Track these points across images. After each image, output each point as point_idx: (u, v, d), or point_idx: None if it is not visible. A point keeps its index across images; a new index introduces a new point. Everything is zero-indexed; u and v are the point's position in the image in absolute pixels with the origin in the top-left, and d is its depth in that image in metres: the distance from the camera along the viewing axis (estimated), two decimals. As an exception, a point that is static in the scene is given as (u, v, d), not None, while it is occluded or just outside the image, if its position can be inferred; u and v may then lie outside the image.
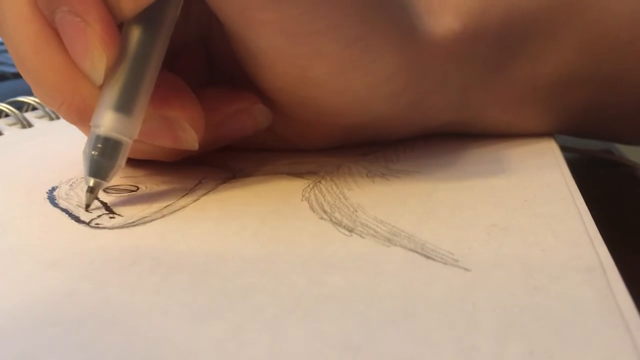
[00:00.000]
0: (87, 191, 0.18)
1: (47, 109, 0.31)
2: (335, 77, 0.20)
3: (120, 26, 0.18)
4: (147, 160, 0.23)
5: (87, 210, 0.18)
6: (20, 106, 0.32)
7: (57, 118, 0.31)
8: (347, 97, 0.22)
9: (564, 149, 0.25)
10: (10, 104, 0.32)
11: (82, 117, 0.18)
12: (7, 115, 0.31)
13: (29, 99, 0.32)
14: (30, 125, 0.30)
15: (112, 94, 0.17)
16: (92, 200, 0.18)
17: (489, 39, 0.23)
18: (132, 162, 0.23)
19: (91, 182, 0.18)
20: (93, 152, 0.17)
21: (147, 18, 0.18)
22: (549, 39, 0.24)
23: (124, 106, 0.17)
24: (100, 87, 0.18)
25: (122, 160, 0.18)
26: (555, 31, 0.24)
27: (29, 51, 0.18)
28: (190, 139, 0.20)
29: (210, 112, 0.21)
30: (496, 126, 0.26)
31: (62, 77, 0.18)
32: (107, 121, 0.17)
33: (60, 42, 0.17)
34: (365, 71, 0.21)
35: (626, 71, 0.25)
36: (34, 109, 0.33)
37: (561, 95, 0.25)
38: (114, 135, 0.17)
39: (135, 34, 0.18)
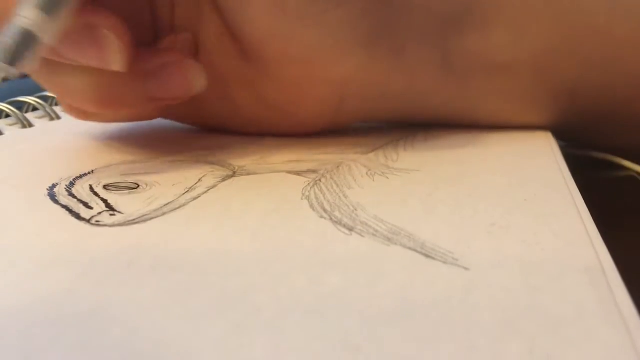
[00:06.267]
0: None
1: (47, 109, 0.31)
2: (273, 18, 0.21)
3: None
4: (147, 158, 0.23)
5: None
6: (20, 106, 0.32)
7: (58, 118, 0.31)
8: (302, 41, 0.22)
9: (563, 148, 0.25)
10: (10, 104, 0.32)
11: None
12: (7, 115, 0.31)
13: (30, 99, 0.32)
14: (30, 125, 0.30)
15: None
16: None
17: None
18: (132, 160, 0.23)
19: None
20: (8, 40, 0.18)
21: None
22: (521, 10, 0.25)
23: (47, 6, 0.18)
24: None
25: (35, 55, 0.18)
26: (527, 2, 0.25)
27: None
28: (115, 51, 0.20)
29: (137, 62, 0.21)
30: (486, 108, 0.26)
31: None
32: (27, 13, 0.18)
33: None
34: (299, 13, 0.21)
35: (609, 53, 0.25)
36: (35, 109, 0.32)
37: (545, 72, 0.25)
38: (33, 28, 0.18)
39: None
